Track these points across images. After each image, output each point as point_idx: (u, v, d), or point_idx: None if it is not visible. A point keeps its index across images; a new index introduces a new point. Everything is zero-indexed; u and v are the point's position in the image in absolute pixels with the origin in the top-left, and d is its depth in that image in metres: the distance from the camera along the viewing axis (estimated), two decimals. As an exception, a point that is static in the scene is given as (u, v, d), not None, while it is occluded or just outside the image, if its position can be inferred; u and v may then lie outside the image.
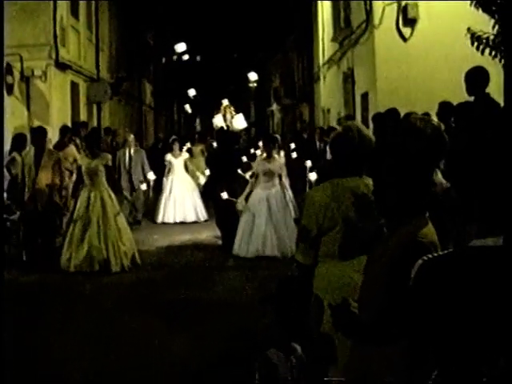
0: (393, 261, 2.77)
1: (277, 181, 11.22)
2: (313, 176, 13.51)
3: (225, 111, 21.59)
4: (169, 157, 15.58)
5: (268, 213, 10.95)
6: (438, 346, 2.18)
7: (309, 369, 3.68)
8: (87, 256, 9.83)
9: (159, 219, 15.28)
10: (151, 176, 15.07)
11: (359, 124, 4.30)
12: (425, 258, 2.26)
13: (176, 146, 15.67)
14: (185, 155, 16.03)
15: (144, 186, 14.64)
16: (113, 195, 10.28)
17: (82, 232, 9.93)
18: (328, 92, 22.90)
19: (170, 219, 15.24)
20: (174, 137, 17.17)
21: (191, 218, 15.32)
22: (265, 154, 11.37)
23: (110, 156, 10.69)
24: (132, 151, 14.78)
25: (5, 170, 10.86)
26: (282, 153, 14.76)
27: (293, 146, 18.32)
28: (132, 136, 15.44)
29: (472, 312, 2.10)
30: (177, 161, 15.57)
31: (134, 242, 10.47)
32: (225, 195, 11.75)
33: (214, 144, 18.71)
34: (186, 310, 7.80)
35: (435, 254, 2.30)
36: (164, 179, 15.65)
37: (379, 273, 2.87)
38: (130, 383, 5.73)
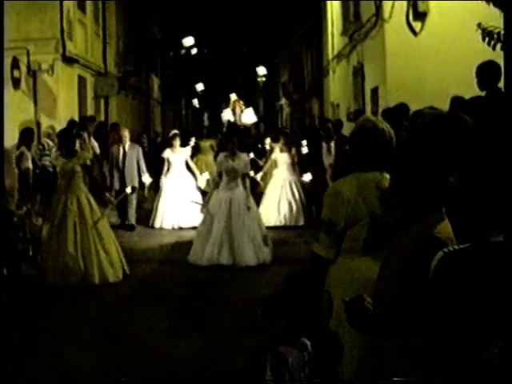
0: (409, 255, 2.77)
1: (240, 181, 10.09)
2: (307, 177, 12.67)
3: (234, 105, 21.42)
4: (167, 153, 13.64)
5: (227, 217, 9.87)
6: (452, 340, 2.17)
7: (320, 365, 3.61)
8: (63, 267, 8.74)
9: (157, 224, 13.50)
10: (146, 179, 13.48)
11: (377, 118, 4.25)
12: (445, 250, 2.28)
13: (176, 142, 13.69)
14: (186, 152, 14.09)
15: (129, 190, 12.47)
16: (92, 199, 9.15)
17: (58, 241, 8.84)
18: (337, 86, 22.79)
19: (168, 225, 13.44)
20: (174, 131, 15.11)
21: (190, 223, 13.08)
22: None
23: (88, 154, 9.49)
24: (127, 147, 13.33)
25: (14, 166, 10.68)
26: (294, 149, 13.67)
27: (304, 142, 17.78)
28: (127, 130, 13.93)
29: (491, 306, 2.11)
30: (176, 157, 13.63)
31: (120, 250, 9.31)
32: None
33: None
34: (194, 307, 7.73)
35: (456, 247, 2.31)
36: (162, 178, 13.75)
37: (395, 267, 2.87)
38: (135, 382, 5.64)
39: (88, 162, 9.29)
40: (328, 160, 11.11)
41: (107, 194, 9.90)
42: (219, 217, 9.87)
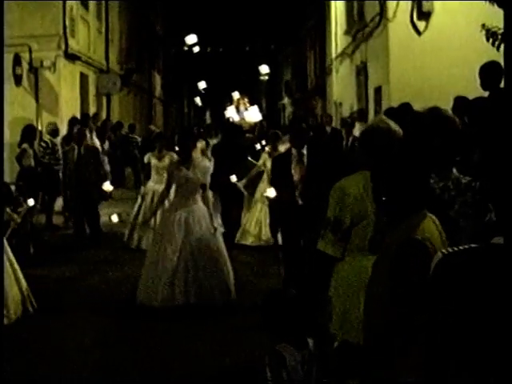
0: (391, 263, 2.79)
1: (199, 195, 7.77)
2: (271, 193, 8.42)
3: (238, 103, 21.15)
4: (148, 157, 11.18)
5: (184, 242, 7.52)
6: (456, 343, 2.15)
7: (321, 364, 3.60)
8: None
9: (132, 244, 10.91)
10: (107, 187, 11.34)
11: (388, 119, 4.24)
12: (444, 251, 2.30)
13: (159, 145, 11.11)
14: (172, 156, 10.75)
15: (31, 202, 9.49)
16: None
17: None
18: (340, 86, 22.77)
19: (133, 243, 10.90)
20: (157, 131, 13.57)
21: None
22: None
23: None
24: (82, 150, 11.10)
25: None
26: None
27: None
28: (84, 129, 12.00)
29: (491, 307, 2.11)
30: (159, 163, 10.96)
31: (23, 282, 7.19)
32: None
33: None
34: (198, 307, 7.63)
35: (455, 248, 2.30)
36: (142, 188, 11.52)
37: (383, 269, 2.88)
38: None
39: None
40: (300, 172, 7.47)
41: (8, 210, 7.96)
42: (172, 242, 7.54)
